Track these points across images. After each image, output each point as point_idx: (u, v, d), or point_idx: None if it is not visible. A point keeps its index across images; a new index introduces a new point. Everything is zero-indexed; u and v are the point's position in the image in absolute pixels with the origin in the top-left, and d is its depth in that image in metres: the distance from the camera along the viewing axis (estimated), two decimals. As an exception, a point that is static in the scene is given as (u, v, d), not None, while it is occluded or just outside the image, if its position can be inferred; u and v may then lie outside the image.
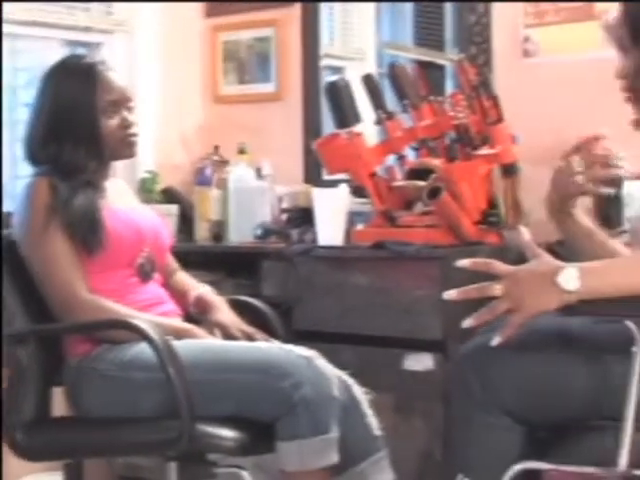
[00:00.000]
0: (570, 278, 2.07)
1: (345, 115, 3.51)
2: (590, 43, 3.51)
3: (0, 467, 2.93)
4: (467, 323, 2.16)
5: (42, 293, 2.77)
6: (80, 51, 4.21)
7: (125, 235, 2.85)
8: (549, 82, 3.65)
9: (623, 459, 2.12)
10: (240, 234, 3.92)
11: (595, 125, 3.47)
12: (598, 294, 2.08)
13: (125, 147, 2.95)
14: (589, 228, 2.47)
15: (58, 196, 2.77)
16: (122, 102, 2.94)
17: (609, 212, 3.24)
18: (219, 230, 4.01)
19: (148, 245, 2.93)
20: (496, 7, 3.77)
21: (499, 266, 2.17)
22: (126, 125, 2.93)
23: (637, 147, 2.52)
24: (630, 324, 2.12)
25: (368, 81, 3.67)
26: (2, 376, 2.79)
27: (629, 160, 3.22)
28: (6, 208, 3.38)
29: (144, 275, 2.91)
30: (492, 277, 2.22)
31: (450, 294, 2.19)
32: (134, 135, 2.96)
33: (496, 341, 2.14)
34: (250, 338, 2.92)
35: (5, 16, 3.81)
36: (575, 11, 3.58)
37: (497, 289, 2.13)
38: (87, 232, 2.77)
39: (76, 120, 2.88)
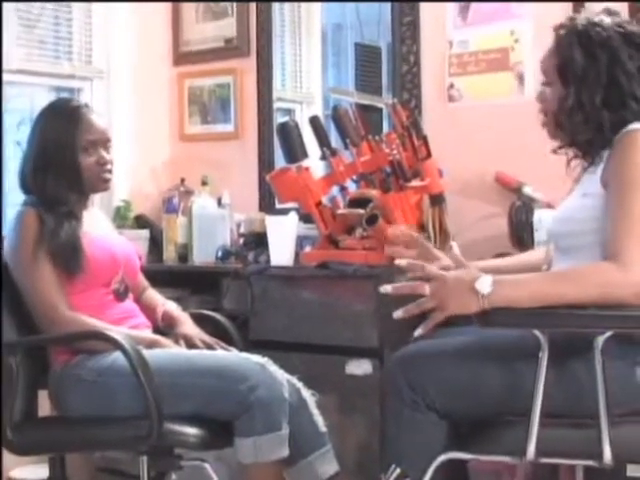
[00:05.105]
0: (485, 283, 2.11)
1: (295, 152, 3.49)
2: (505, 90, 3.57)
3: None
4: (397, 314, 2.18)
5: (29, 310, 2.77)
6: (64, 95, 4.20)
7: (101, 259, 2.86)
8: (471, 123, 3.67)
9: (531, 449, 2.14)
10: (203, 255, 3.90)
11: (508, 159, 3.55)
12: (509, 301, 2.11)
13: (100, 182, 2.94)
14: (492, 267, 2.48)
15: (45, 226, 2.77)
16: (101, 142, 2.92)
17: (522, 236, 3.30)
18: (184, 252, 4.00)
19: (121, 267, 2.93)
20: (425, 58, 3.78)
21: (431, 269, 2.19)
22: (102, 163, 2.91)
23: (544, 177, 2.56)
24: (537, 333, 2.14)
25: (314, 122, 3.65)
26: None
27: (541, 189, 3.27)
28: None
29: (118, 296, 2.91)
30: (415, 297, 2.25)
31: (386, 288, 2.22)
32: (109, 172, 2.94)
33: (418, 332, 2.18)
34: (210, 347, 2.92)
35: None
36: (492, 63, 3.60)
37: (426, 288, 2.16)
38: (69, 258, 2.77)
39: (59, 156, 2.87)
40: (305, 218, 3.63)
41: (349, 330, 3.25)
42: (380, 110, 4.13)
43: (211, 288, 3.69)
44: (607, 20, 2.32)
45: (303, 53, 4.46)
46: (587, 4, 3.15)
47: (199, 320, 3.08)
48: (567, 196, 2.43)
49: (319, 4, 4.39)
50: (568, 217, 2.34)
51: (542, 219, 3.05)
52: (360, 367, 3.24)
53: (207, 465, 2.96)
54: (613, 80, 2.27)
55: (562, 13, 2.47)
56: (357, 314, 3.23)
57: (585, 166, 2.38)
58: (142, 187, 4.43)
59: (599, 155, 2.30)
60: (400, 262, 2.27)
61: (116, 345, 2.59)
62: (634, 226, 2.11)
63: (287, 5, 4.38)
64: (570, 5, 3.34)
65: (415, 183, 3.38)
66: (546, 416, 2.15)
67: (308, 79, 4.47)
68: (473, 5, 3.65)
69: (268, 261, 3.59)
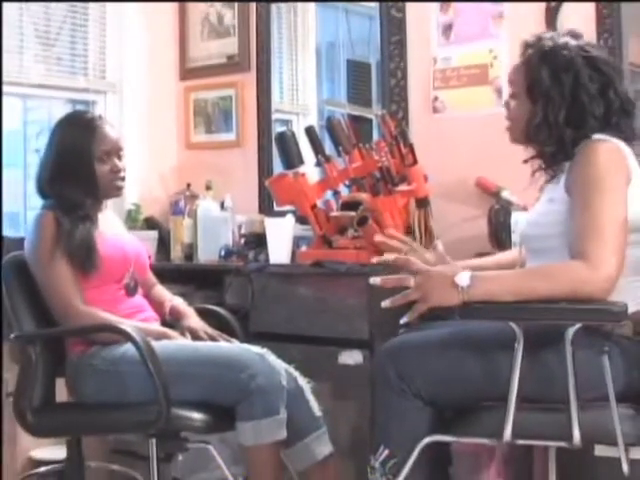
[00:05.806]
0: (463, 277, 2.13)
1: (292, 159, 3.49)
2: (484, 103, 3.57)
3: (14, 442, 2.93)
4: (385, 304, 2.21)
5: (47, 304, 2.78)
6: (80, 107, 4.21)
7: (114, 257, 2.87)
8: (454, 133, 3.67)
9: (508, 432, 2.15)
10: (207, 254, 3.91)
11: (487, 165, 3.56)
12: (486, 294, 2.12)
13: (114, 189, 2.94)
14: (473, 265, 2.45)
15: (62, 228, 2.77)
16: (114, 151, 2.92)
17: (500, 237, 3.31)
18: (190, 251, 4.00)
19: (132, 264, 2.94)
20: (411, 73, 3.78)
21: (417, 264, 2.22)
22: (116, 171, 2.91)
23: (521, 182, 2.56)
24: (513, 325, 2.15)
25: (310, 131, 3.67)
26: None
27: (518, 193, 3.28)
28: (18, 234, 3.39)
29: (129, 291, 2.92)
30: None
31: (375, 280, 2.24)
32: (121, 179, 2.94)
33: (403, 320, 2.21)
34: (214, 339, 2.93)
35: (20, 80, 3.86)
36: (473, 77, 3.60)
37: (411, 281, 2.18)
38: (84, 257, 2.77)
39: (76, 165, 2.86)
40: (301, 220, 3.63)
41: (342, 323, 3.24)
42: (370, 121, 4.12)
43: (214, 284, 3.68)
44: (572, 43, 2.33)
45: (299, 68, 4.46)
46: (561, 8, 3.16)
47: (203, 314, 3.09)
48: (536, 203, 2.46)
49: (314, 25, 4.40)
50: (536, 221, 2.37)
51: (518, 221, 3.05)
52: (352, 357, 3.24)
53: (210, 447, 2.97)
54: (575, 100, 2.29)
55: (536, 33, 2.46)
56: (349, 308, 3.22)
57: (548, 179, 2.40)
58: (151, 191, 4.43)
59: (561, 167, 2.32)
60: (389, 257, 2.29)
61: (127, 337, 2.60)
62: (599, 228, 2.12)
63: (285, 24, 4.38)
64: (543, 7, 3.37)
65: (402, 187, 3.39)
66: (521, 401, 2.15)
67: (304, 92, 4.46)
68: (455, 26, 3.65)
69: (267, 259, 3.59)
